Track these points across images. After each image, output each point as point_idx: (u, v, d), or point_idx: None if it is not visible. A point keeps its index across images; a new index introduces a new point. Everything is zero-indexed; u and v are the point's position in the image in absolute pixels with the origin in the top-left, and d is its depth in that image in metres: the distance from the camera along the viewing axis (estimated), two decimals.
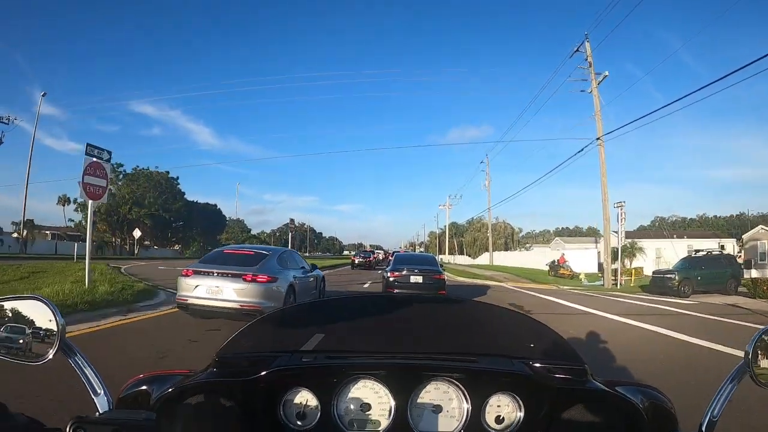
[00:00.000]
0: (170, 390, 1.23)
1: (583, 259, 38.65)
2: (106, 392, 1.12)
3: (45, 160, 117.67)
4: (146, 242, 68.03)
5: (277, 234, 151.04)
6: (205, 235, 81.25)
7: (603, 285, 26.78)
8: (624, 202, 26.23)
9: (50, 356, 1.08)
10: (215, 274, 8.38)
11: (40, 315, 1.12)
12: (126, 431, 0.96)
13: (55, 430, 0.97)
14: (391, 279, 13.51)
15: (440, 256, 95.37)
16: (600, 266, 34.51)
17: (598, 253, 40.45)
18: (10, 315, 1.13)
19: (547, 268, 36.49)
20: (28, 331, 1.12)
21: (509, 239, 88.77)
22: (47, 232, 62.74)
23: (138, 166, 66.27)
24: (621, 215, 26.23)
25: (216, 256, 9.56)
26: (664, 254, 39.85)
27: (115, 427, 0.94)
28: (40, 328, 1.11)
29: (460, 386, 1.27)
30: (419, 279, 13.45)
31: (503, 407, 1.27)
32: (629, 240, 34.53)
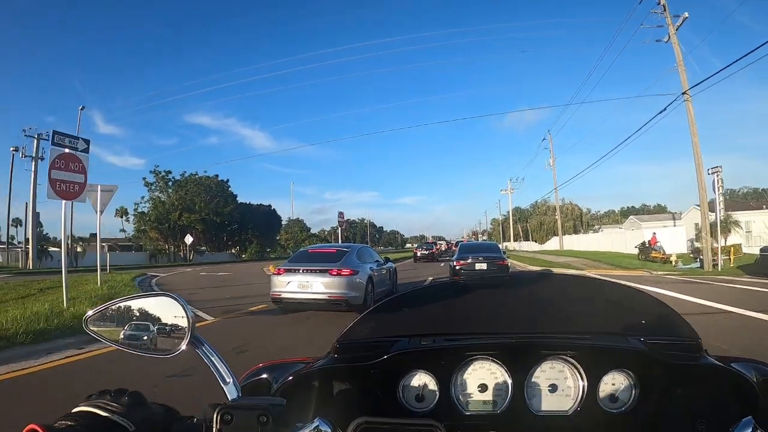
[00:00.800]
0: (290, 378, 1.27)
1: (669, 238, 33.23)
2: (235, 381, 1.09)
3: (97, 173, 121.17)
4: (202, 247, 67.75)
5: (337, 231, 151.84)
6: (261, 236, 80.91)
7: (700, 267, 22.50)
8: (721, 167, 21.67)
9: (183, 347, 1.11)
10: (304, 271, 9.59)
11: (171, 310, 1.15)
12: (273, 417, 0.91)
13: (189, 417, 1.01)
14: (457, 267, 14.50)
15: (505, 243, 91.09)
16: (691, 245, 29.63)
17: (691, 230, 35.35)
18: (143, 311, 1.17)
19: (630, 251, 31.99)
20: (158, 325, 1.15)
21: (578, 221, 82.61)
22: (104, 244, 64.27)
23: (185, 172, 65.96)
24: (718, 182, 21.67)
25: (302, 255, 11.01)
26: (753, 228, 34.28)
27: (261, 412, 0.90)
28: (170, 323, 1.15)
29: (575, 364, 1.27)
30: (484, 266, 14.34)
31: (618, 385, 1.26)
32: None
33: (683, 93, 22.23)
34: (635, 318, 1.49)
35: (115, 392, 0.94)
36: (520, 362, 1.27)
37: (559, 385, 1.27)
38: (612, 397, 1.24)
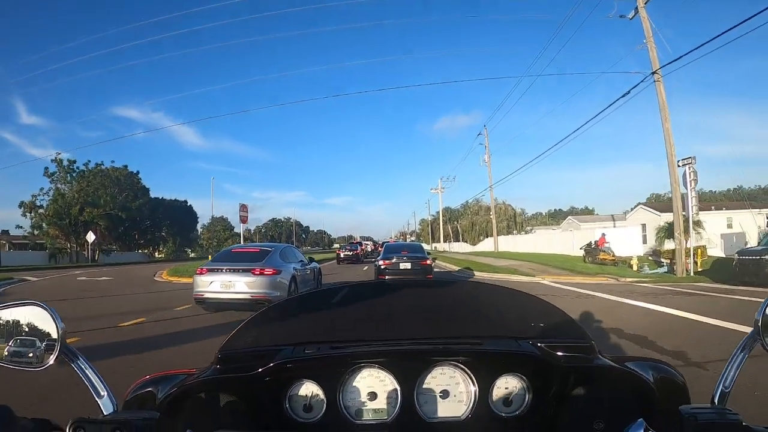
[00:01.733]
0: (175, 390, 1.23)
1: (621, 239, 30.58)
2: (110, 394, 1.10)
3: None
4: (110, 246, 60.79)
5: (263, 230, 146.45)
6: (177, 234, 73.90)
7: (668, 272, 19.79)
8: (694, 157, 18.92)
9: (51, 361, 1.08)
10: (227, 270, 9.50)
11: (40, 320, 1.12)
12: (126, 430, 0.92)
13: (58, 429, 0.98)
14: (382, 266, 15.08)
15: (434, 244, 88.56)
16: (654, 248, 27.05)
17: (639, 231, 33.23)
18: (10, 321, 1.14)
19: (571, 252, 29.31)
20: (27, 337, 1.12)
21: (511, 222, 79.15)
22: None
23: (89, 162, 58.48)
24: (689, 175, 18.92)
25: (225, 255, 11.00)
26: (710, 229, 32.77)
27: (115, 425, 0.91)
28: (40, 334, 1.11)
29: (466, 369, 1.26)
30: (408, 265, 14.89)
31: (511, 389, 1.26)
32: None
33: (653, 73, 19.30)
34: (528, 322, 1.54)
35: None
36: (408, 369, 1.26)
37: (451, 390, 1.26)
38: (506, 401, 1.25)
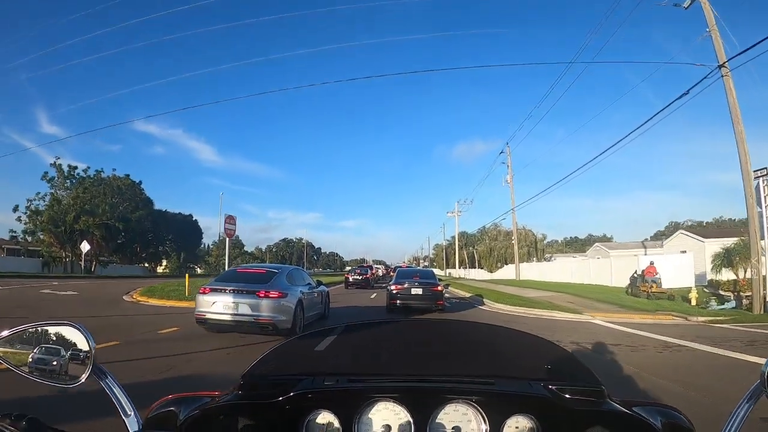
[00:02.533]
0: (196, 412, 1.29)
1: (672, 268, 25.44)
2: (136, 414, 1.16)
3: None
4: (113, 258, 58.34)
5: (274, 250, 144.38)
6: (181, 249, 71.32)
7: (737, 308, 16.25)
8: None
9: (83, 379, 1.13)
10: (230, 291, 9.07)
11: (74, 340, 1.17)
12: None
13: None
14: (394, 291, 14.79)
15: (448, 270, 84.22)
16: (704, 278, 23.15)
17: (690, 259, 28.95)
18: (46, 340, 1.18)
19: (599, 281, 25.42)
20: (62, 354, 1.17)
21: (532, 248, 72.99)
22: None
23: (88, 168, 55.93)
24: (764, 190, 15.48)
25: (230, 275, 10.53)
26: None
27: None
28: (74, 353, 1.16)
29: (479, 408, 1.28)
30: (419, 291, 14.61)
31: (521, 428, 1.27)
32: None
33: (720, 66, 15.97)
34: (540, 363, 1.54)
35: (15, 416, 0.98)
36: (422, 404, 1.28)
37: (462, 427, 1.27)
38: None
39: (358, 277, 32.80)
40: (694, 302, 17.57)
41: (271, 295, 8.99)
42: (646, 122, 19.09)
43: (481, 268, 75.03)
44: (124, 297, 19.14)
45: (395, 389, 1.31)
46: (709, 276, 23.50)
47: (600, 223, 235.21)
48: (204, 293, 9.27)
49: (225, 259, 24.05)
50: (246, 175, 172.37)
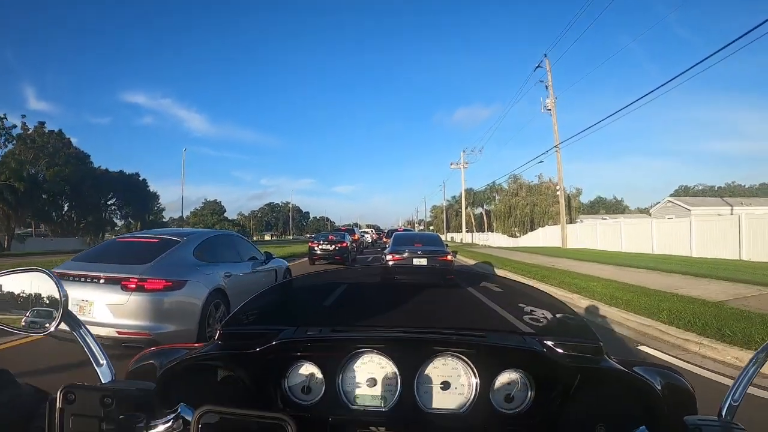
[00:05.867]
0: (174, 362, 1.22)
1: None
2: (109, 363, 1.11)
3: None
4: (43, 229, 50.61)
5: (258, 215, 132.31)
6: (134, 216, 59.07)
7: None
8: None
9: (53, 328, 1.09)
10: (85, 279, 5.02)
11: (44, 287, 1.12)
12: (117, 399, 0.93)
13: (52, 396, 0.98)
14: (391, 263, 11.81)
15: (450, 235, 71.74)
16: None
17: None
18: (13, 287, 1.13)
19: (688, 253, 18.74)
20: (31, 302, 1.12)
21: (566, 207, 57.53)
22: None
23: (4, 115, 45.98)
24: None
25: (103, 250, 6.08)
26: None
27: (105, 394, 0.92)
28: (43, 300, 1.11)
29: (469, 362, 1.23)
30: (423, 261, 12.19)
31: (513, 385, 1.22)
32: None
33: None
34: (534, 318, 1.53)
35: None
36: (410, 357, 1.23)
37: (452, 382, 1.22)
38: (507, 397, 1.21)
39: (328, 246, 20.98)
40: None
41: (147, 286, 4.96)
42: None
43: (503, 233, 59.23)
44: None
45: (381, 340, 1.26)
46: None
47: (609, 186, 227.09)
48: None
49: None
50: (238, 142, 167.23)
